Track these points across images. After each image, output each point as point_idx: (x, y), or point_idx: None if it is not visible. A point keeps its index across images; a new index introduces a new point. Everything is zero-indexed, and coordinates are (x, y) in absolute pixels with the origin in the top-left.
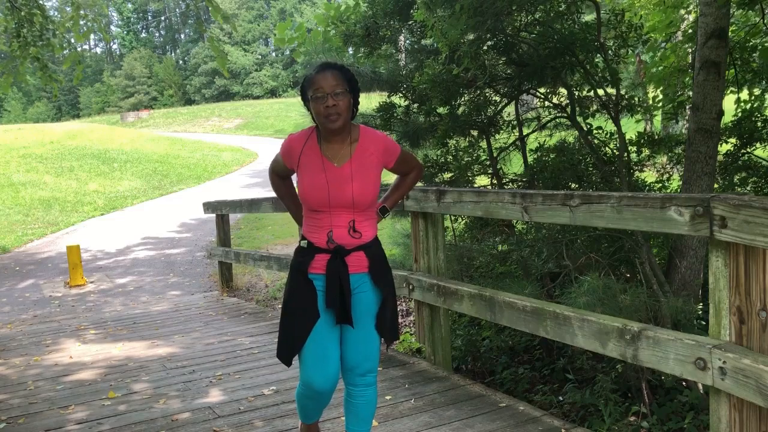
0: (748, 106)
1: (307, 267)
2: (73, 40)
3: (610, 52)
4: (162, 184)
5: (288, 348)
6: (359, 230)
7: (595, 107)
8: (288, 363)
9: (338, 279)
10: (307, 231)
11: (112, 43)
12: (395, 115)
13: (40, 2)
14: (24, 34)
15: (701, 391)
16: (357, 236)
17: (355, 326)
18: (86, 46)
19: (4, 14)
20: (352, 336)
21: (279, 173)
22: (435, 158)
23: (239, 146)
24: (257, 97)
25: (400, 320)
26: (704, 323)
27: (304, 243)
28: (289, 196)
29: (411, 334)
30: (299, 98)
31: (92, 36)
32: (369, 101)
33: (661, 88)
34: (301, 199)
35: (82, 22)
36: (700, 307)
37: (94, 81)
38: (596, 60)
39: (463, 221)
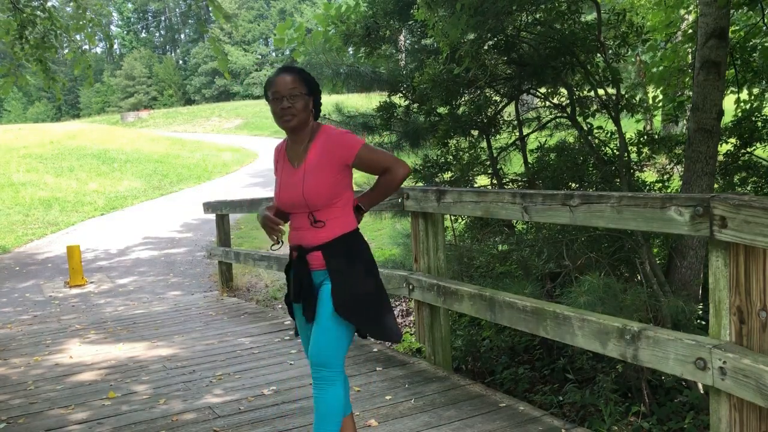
0: (748, 106)
1: (290, 261)
2: (82, 40)
3: (610, 52)
4: (162, 184)
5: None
6: (322, 220)
7: (595, 107)
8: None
9: (299, 276)
10: None
11: (113, 42)
12: (395, 115)
13: (48, 5)
14: (26, 35)
15: (701, 391)
16: (320, 225)
17: (316, 318)
18: (86, 47)
19: (6, 15)
20: (314, 327)
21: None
22: (435, 158)
23: (239, 146)
24: (257, 97)
25: (400, 320)
26: (704, 323)
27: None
28: None
29: (411, 334)
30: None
31: (95, 32)
32: (369, 101)
33: (661, 88)
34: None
35: (82, 22)
36: (700, 307)
37: (94, 81)
38: (596, 60)
39: (463, 221)
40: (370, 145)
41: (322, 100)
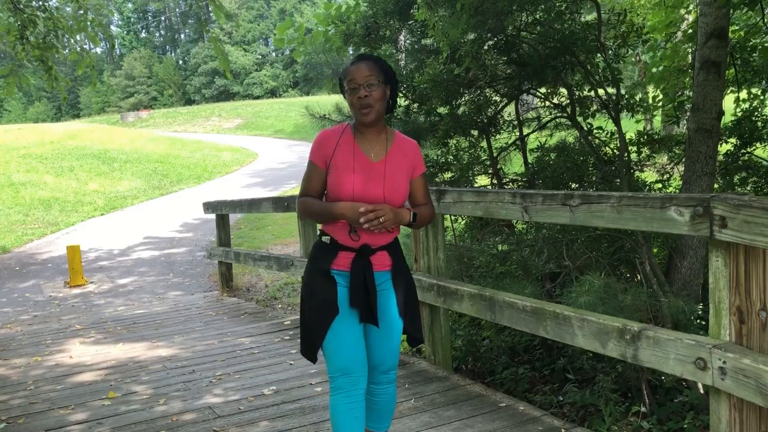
0: (748, 105)
1: (330, 264)
2: (82, 40)
3: (610, 52)
4: (162, 184)
5: (310, 344)
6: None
7: (595, 107)
8: (313, 359)
9: (363, 277)
10: (330, 227)
11: (115, 41)
12: (395, 115)
13: (48, 4)
14: (27, 35)
15: (701, 391)
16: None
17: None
18: (86, 46)
19: (7, 16)
20: (375, 334)
21: (313, 186)
22: (435, 158)
23: (239, 146)
24: (257, 97)
25: None
26: (704, 323)
27: (326, 239)
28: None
29: None
30: (299, 98)
31: (97, 32)
32: None
33: (661, 88)
34: (332, 191)
35: (83, 23)
36: (700, 307)
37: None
38: (597, 60)
39: (463, 221)
40: None
41: (322, 100)
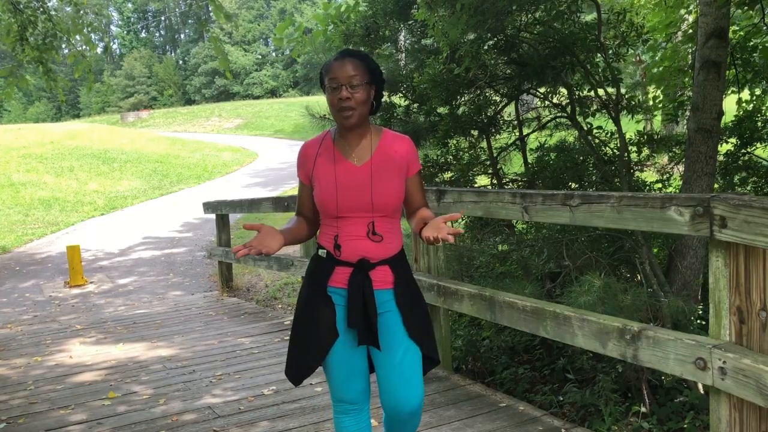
0: (750, 106)
1: (327, 281)
2: (81, 40)
3: (610, 51)
4: (162, 184)
5: (298, 367)
6: (380, 233)
7: (595, 107)
8: (297, 383)
9: (362, 295)
10: (324, 239)
11: (111, 43)
12: (395, 115)
13: (49, 4)
14: (27, 37)
15: (701, 391)
16: (377, 239)
17: (386, 352)
18: (84, 47)
19: (7, 17)
20: (386, 368)
21: (303, 204)
22: (435, 158)
23: (239, 146)
24: (257, 97)
25: None
26: (704, 323)
27: (322, 252)
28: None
29: None
30: (299, 98)
31: (92, 36)
32: None
33: (662, 88)
34: (318, 205)
35: (80, 27)
36: (700, 307)
37: (94, 81)
38: (596, 60)
39: (463, 221)
40: None
41: (322, 100)
